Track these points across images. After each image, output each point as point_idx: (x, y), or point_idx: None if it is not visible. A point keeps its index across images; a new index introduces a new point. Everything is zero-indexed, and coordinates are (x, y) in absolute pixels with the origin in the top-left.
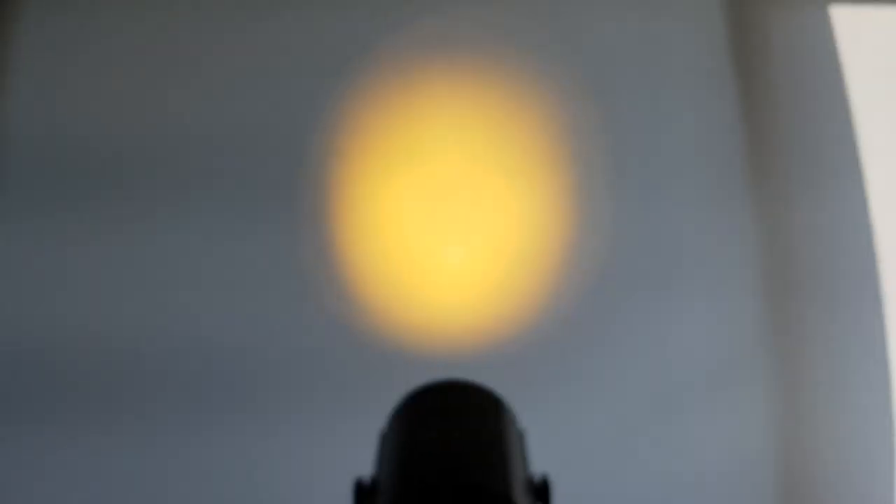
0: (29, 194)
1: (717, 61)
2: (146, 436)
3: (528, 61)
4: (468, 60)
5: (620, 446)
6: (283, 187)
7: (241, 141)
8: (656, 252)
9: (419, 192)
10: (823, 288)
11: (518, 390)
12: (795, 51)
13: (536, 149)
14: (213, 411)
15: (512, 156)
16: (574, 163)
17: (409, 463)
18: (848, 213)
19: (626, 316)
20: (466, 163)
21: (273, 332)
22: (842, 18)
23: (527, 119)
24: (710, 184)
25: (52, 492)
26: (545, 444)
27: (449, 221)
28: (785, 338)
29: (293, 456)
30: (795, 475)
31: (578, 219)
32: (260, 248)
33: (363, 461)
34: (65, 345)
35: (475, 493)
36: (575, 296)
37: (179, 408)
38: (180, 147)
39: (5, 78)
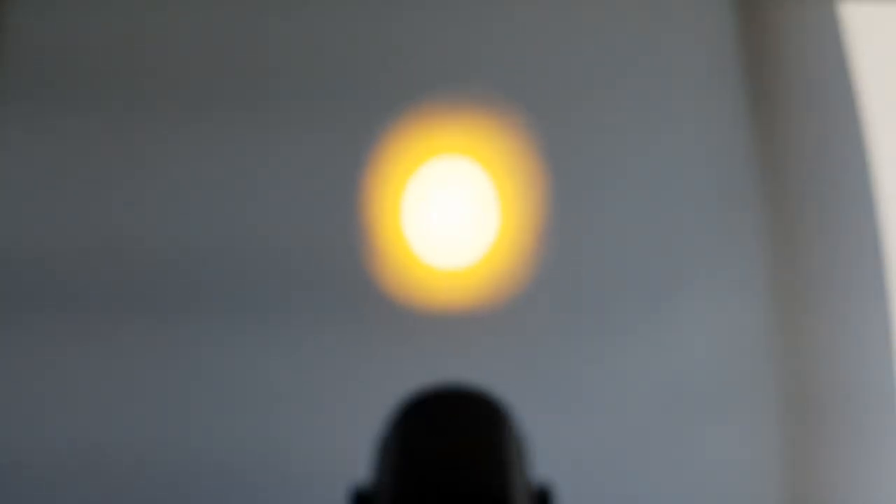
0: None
1: (725, 61)
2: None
3: (527, 59)
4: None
5: (624, 451)
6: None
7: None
8: (661, 253)
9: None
10: (833, 290)
11: (520, 395)
12: (806, 49)
13: (539, 147)
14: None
15: (513, 152)
16: (577, 163)
17: (407, 473)
18: (860, 217)
19: (631, 318)
20: (472, 156)
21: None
22: (853, 17)
23: (529, 117)
24: (717, 184)
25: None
26: (548, 449)
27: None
28: (793, 341)
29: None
30: (803, 483)
31: (584, 220)
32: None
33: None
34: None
35: (473, 503)
36: (579, 298)
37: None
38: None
39: None
